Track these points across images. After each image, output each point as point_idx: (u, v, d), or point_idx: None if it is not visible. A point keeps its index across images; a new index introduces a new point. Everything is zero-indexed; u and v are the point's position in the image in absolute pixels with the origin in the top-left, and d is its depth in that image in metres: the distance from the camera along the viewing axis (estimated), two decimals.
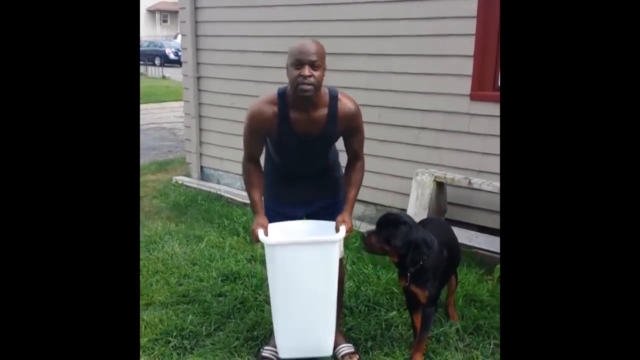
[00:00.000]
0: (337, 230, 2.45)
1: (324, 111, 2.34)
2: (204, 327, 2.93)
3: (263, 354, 2.66)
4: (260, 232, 2.41)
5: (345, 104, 2.38)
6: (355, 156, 2.55)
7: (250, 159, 2.51)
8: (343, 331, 2.84)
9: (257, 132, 2.42)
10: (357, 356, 2.69)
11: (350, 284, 3.33)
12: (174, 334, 2.85)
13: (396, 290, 3.26)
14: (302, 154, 2.48)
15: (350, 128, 2.43)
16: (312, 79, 2.20)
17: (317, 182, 2.61)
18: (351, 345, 2.73)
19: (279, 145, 2.48)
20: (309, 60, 2.19)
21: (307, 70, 2.19)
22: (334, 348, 2.68)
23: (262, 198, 2.54)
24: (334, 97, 2.35)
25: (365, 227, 4.15)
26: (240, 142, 2.51)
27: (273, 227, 2.54)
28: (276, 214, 2.58)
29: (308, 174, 2.58)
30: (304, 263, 2.37)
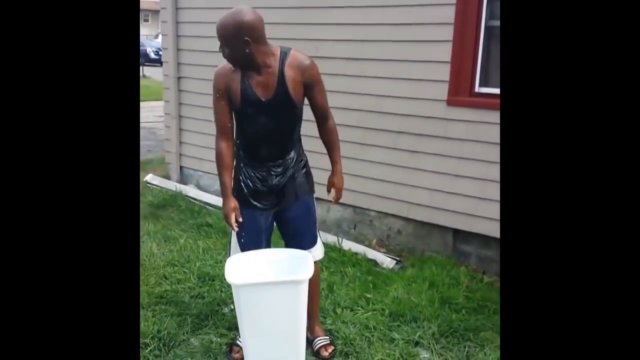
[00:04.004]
0: (329, 191, 2.60)
1: (275, 69, 2.37)
2: (181, 329, 2.93)
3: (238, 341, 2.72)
4: (227, 270, 2.37)
5: (295, 57, 2.39)
6: (323, 114, 2.54)
7: (222, 134, 2.49)
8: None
9: (221, 90, 2.43)
10: (333, 347, 2.80)
11: (323, 285, 3.36)
12: (151, 335, 2.85)
13: (369, 296, 3.30)
14: (267, 124, 2.44)
15: (307, 81, 2.41)
16: (225, 57, 2.37)
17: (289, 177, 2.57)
18: (328, 337, 2.85)
19: (243, 114, 2.45)
20: (220, 40, 2.34)
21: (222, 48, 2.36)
22: (312, 341, 2.80)
23: (232, 180, 2.55)
24: (284, 54, 2.39)
25: (347, 226, 4.19)
26: None
27: (240, 257, 2.50)
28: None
29: (274, 153, 2.53)
30: (270, 303, 2.31)
